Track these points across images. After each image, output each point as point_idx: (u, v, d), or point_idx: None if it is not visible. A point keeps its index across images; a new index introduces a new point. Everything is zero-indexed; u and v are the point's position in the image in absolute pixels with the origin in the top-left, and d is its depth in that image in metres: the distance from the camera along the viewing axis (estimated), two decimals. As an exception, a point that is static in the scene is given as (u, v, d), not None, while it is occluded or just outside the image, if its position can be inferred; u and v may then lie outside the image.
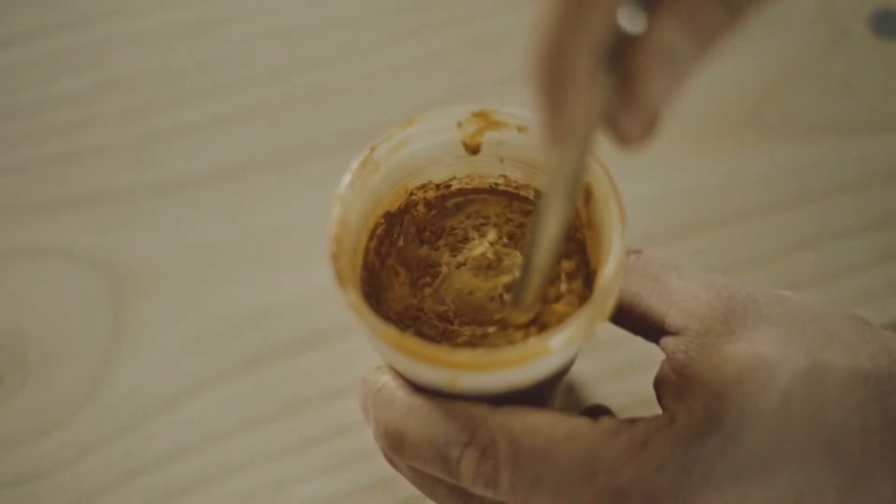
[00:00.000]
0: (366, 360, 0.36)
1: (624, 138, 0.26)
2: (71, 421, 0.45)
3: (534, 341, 0.30)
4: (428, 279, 0.36)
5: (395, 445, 0.33)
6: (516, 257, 0.36)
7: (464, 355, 0.29)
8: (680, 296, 0.34)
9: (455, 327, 0.35)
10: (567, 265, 0.35)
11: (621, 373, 0.45)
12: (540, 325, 0.34)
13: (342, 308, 0.31)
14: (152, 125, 0.53)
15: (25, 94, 0.55)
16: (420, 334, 0.35)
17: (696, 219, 0.50)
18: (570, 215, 0.30)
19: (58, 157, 0.52)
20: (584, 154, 0.27)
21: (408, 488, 0.42)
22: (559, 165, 0.28)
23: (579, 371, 0.45)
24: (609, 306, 0.31)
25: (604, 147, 0.33)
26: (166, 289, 0.48)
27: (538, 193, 0.36)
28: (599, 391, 0.45)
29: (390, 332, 0.30)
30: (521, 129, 0.34)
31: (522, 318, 0.34)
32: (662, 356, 0.34)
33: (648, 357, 0.36)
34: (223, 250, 0.50)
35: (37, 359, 0.46)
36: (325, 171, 0.43)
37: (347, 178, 0.33)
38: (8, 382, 0.46)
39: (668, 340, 0.34)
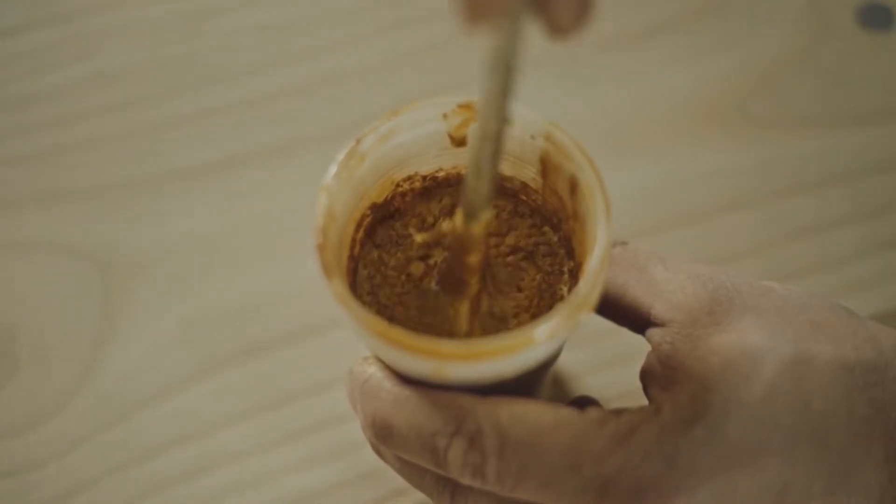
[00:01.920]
0: (355, 352, 0.36)
1: (554, 26, 0.26)
2: (61, 412, 0.45)
3: (519, 332, 0.30)
4: (416, 267, 0.36)
5: (383, 436, 0.33)
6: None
7: (449, 345, 0.30)
8: (665, 287, 0.34)
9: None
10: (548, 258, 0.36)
11: (608, 365, 0.45)
12: (531, 315, 0.35)
13: (330, 299, 0.31)
14: (141, 118, 0.54)
15: (14, 87, 0.55)
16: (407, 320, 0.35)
17: (685, 210, 0.50)
18: (509, 109, 0.29)
19: (47, 150, 0.53)
20: (515, 40, 0.27)
21: (396, 480, 0.42)
22: (491, 55, 0.27)
23: (566, 363, 0.45)
24: (594, 297, 0.31)
25: (591, 140, 0.33)
26: (156, 281, 0.49)
27: (524, 185, 0.36)
28: (586, 383, 0.45)
29: (376, 322, 0.30)
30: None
31: (478, 227, 0.32)
32: (648, 348, 0.34)
33: (634, 349, 0.36)
34: (213, 242, 0.50)
35: (26, 351, 0.47)
36: (315, 163, 0.43)
37: (333, 168, 0.33)
38: (-2, 375, 0.46)
39: (653, 332, 0.34)
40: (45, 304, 0.48)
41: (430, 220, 0.37)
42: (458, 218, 0.33)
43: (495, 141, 0.30)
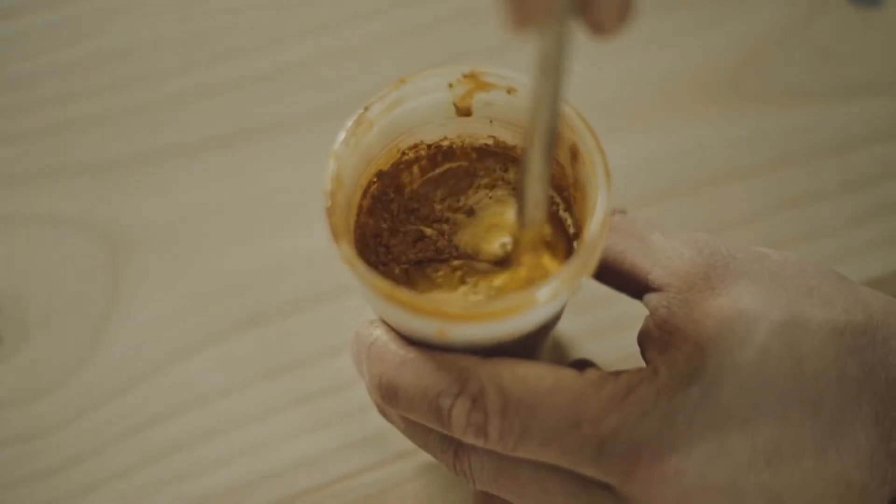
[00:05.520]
0: (356, 321, 0.37)
1: (596, 27, 0.26)
2: (69, 381, 0.46)
3: (521, 293, 0.30)
4: (423, 231, 0.37)
5: (389, 397, 0.34)
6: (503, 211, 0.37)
7: (453, 306, 0.30)
8: (663, 253, 0.35)
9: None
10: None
11: (607, 330, 0.46)
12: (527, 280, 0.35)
13: (337, 263, 0.32)
14: (146, 94, 0.54)
15: (20, 65, 0.55)
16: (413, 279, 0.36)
17: (680, 182, 0.51)
18: (560, 112, 0.30)
19: (54, 126, 0.53)
20: (562, 42, 0.27)
21: (399, 443, 0.43)
22: (540, 59, 0.28)
23: (566, 329, 0.46)
24: (594, 260, 0.31)
25: (586, 114, 0.34)
26: (161, 253, 0.49)
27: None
28: (585, 348, 0.46)
29: (382, 283, 0.31)
30: (510, 91, 0.35)
31: (533, 232, 0.34)
32: (646, 313, 0.35)
33: (632, 314, 0.37)
34: (217, 215, 0.50)
35: (35, 321, 0.47)
36: (317, 138, 0.43)
37: (342, 135, 0.34)
38: (7, 344, 0.47)
39: (651, 297, 0.34)
40: (54, 276, 0.49)
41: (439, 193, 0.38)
42: (516, 227, 0.34)
43: (549, 144, 0.30)
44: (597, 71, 0.54)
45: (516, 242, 0.35)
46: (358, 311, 0.42)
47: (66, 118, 0.53)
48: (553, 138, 0.30)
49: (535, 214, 0.33)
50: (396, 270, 0.36)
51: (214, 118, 0.53)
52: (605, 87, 0.54)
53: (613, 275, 0.36)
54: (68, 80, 0.54)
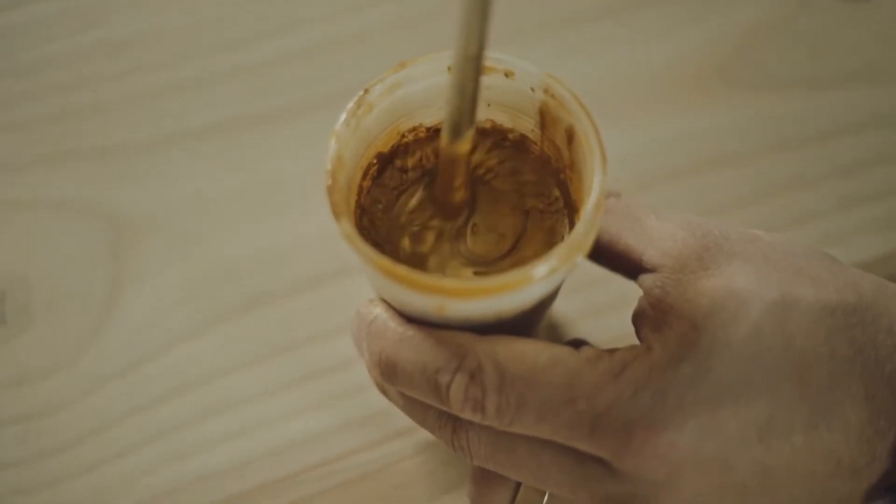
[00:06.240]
0: (356, 302, 0.37)
1: None
2: (74, 362, 0.46)
3: (518, 270, 0.31)
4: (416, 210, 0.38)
5: (388, 373, 0.34)
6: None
7: (451, 282, 0.31)
8: (657, 235, 0.35)
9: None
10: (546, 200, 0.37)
11: (601, 310, 0.46)
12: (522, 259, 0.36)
13: (337, 246, 0.32)
14: (147, 83, 0.55)
15: (25, 54, 0.56)
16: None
17: (671, 169, 0.51)
18: (486, 32, 0.30)
19: (57, 114, 0.54)
20: None
21: (398, 421, 0.44)
22: None
23: (562, 309, 0.47)
24: (589, 239, 0.32)
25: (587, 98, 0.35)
26: (164, 237, 0.50)
27: (523, 137, 0.38)
28: (581, 328, 0.46)
29: (381, 259, 0.31)
30: (507, 74, 0.35)
31: (462, 145, 0.34)
32: (640, 294, 0.35)
33: (627, 295, 0.37)
34: (218, 200, 0.51)
35: (41, 304, 0.48)
36: (315, 125, 0.44)
37: (343, 116, 0.34)
38: (14, 326, 0.47)
39: (645, 277, 0.35)
40: (57, 261, 0.49)
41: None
42: (443, 137, 0.34)
43: (477, 59, 0.31)
44: (590, 62, 0.55)
45: (442, 157, 0.35)
46: (357, 293, 0.42)
47: (69, 106, 0.54)
48: (482, 56, 0.31)
49: (465, 129, 0.33)
50: (396, 246, 0.37)
51: (216, 106, 0.54)
52: (599, 77, 0.55)
53: (608, 256, 0.36)
54: (72, 68, 0.55)
